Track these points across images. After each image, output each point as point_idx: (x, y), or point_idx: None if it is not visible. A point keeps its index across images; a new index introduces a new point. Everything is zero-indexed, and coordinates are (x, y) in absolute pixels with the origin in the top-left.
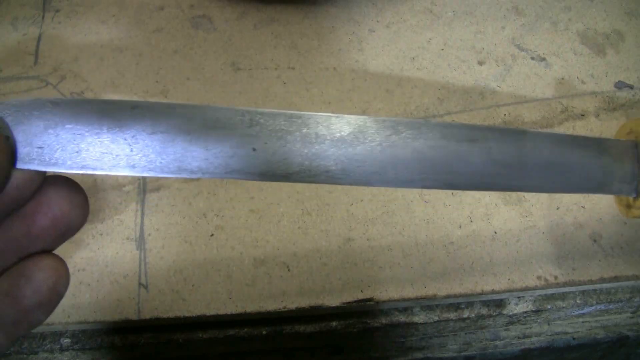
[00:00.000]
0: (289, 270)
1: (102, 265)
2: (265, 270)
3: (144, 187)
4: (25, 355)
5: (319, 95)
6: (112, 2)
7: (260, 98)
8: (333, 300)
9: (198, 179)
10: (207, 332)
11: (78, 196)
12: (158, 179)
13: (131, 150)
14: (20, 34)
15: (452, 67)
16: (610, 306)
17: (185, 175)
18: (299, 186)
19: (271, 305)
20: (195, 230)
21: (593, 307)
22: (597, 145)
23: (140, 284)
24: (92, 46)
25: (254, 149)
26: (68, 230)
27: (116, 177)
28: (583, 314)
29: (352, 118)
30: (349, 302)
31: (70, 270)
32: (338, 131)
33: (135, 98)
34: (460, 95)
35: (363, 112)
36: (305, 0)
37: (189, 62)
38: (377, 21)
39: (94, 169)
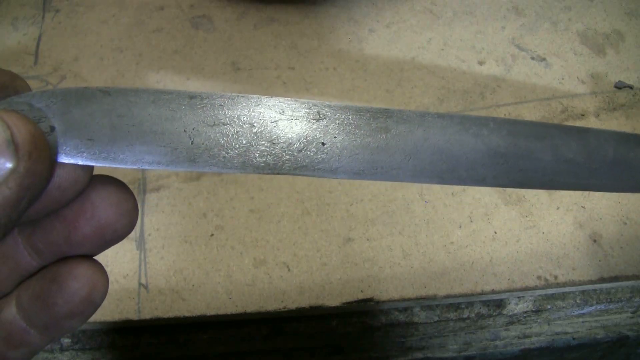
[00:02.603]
0: (289, 270)
1: None
2: (265, 270)
3: (144, 187)
4: None
5: (319, 95)
6: (112, 2)
7: None
8: (333, 300)
9: (198, 179)
10: (207, 332)
11: (127, 203)
12: (158, 178)
13: (192, 143)
14: (20, 34)
15: (452, 67)
16: (610, 306)
17: (250, 171)
18: (299, 186)
19: (271, 305)
20: (195, 230)
21: (593, 307)
22: None
23: (140, 284)
24: (92, 46)
25: (323, 144)
26: (112, 239)
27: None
28: (583, 314)
29: (411, 112)
30: (349, 302)
31: None
32: (403, 124)
33: None
34: (460, 95)
35: None
36: (305, 0)
37: (189, 62)
38: (377, 21)
39: (149, 163)
